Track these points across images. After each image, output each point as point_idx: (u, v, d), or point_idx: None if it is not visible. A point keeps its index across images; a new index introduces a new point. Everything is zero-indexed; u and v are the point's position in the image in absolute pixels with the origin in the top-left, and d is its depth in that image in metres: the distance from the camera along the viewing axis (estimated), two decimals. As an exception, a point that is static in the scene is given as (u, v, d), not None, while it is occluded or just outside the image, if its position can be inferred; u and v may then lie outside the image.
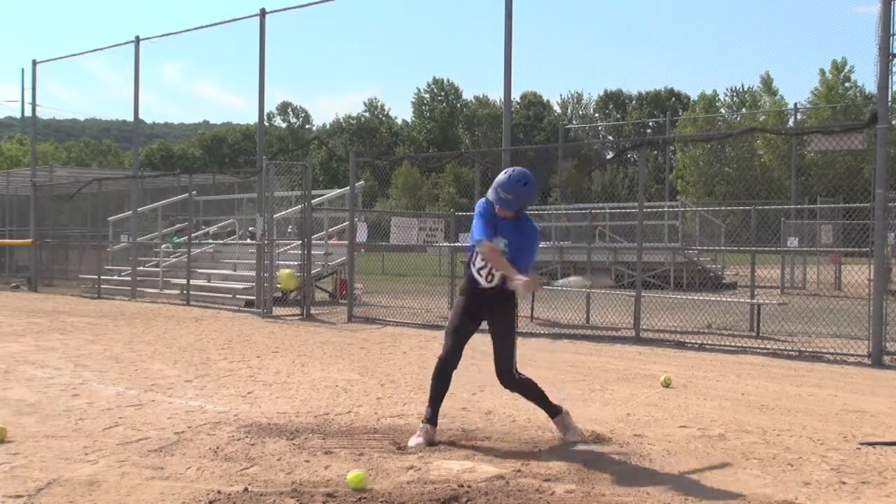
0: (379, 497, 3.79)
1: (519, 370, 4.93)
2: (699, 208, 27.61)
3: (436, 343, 9.81)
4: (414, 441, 4.76)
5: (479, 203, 4.87)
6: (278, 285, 12.83)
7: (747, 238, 15.04)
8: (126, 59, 17.27)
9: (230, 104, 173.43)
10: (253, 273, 14.67)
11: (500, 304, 4.87)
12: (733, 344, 9.66)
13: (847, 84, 46.08)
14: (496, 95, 75.67)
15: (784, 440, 5.00)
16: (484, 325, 4.96)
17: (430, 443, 4.75)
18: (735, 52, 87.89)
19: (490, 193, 4.78)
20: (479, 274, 4.85)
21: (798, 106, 30.62)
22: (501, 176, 4.76)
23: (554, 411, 4.97)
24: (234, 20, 15.14)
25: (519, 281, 4.57)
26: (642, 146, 11.68)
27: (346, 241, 16.12)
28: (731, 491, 3.94)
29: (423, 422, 4.89)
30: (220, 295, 15.39)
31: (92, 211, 19.59)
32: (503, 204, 4.72)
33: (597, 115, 76.90)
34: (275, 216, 13.66)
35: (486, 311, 4.91)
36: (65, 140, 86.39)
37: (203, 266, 17.21)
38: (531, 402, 5.01)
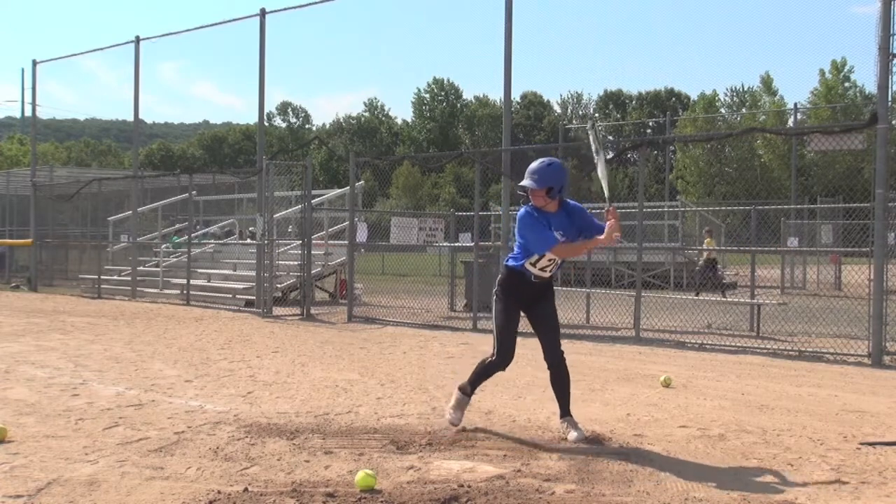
0: (379, 497, 3.79)
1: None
2: (699, 208, 27.61)
3: (436, 343, 9.82)
4: (450, 416, 5.14)
5: (521, 215, 4.88)
6: None
7: (747, 238, 15.04)
8: (126, 59, 17.29)
9: (230, 104, 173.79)
10: (253, 273, 14.67)
11: (548, 292, 5.10)
12: (733, 344, 9.65)
13: (847, 84, 46.09)
14: (496, 95, 75.82)
15: (784, 440, 5.00)
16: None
17: (463, 413, 5.15)
18: (735, 52, 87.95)
19: (524, 181, 4.85)
20: (544, 270, 4.96)
21: (798, 106, 30.62)
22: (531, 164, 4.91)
23: (566, 411, 5.01)
24: (233, 20, 15.16)
25: (609, 237, 4.79)
26: (642, 146, 11.68)
27: (333, 242, 16.17)
28: (731, 491, 3.94)
29: (458, 389, 5.18)
30: (220, 295, 15.39)
31: (92, 211, 19.60)
32: (533, 183, 4.77)
33: (597, 115, 76.90)
34: (275, 216, 13.67)
35: (534, 302, 5.06)
36: (65, 140, 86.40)
37: (203, 266, 17.21)
38: (554, 390, 5.04)
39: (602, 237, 4.81)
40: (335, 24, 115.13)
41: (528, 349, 8.48)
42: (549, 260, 4.92)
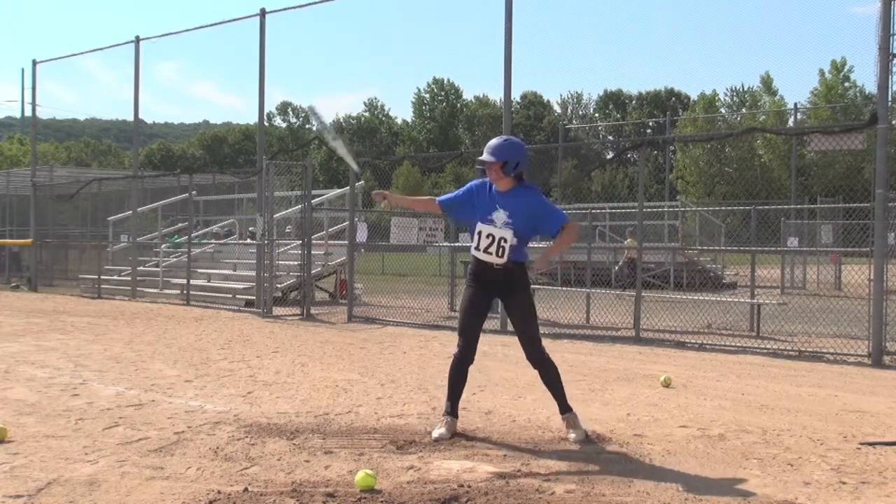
0: (379, 497, 3.79)
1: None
2: (699, 208, 27.60)
3: (436, 343, 9.83)
4: (437, 432, 4.88)
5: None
6: None
7: (747, 238, 15.05)
8: (126, 59, 17.29)
9: (230, 104, 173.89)
10: (253, 273, 14.67)
11: (514, 284, 4.88)
12: (733, 344, 9.65)
13: (847, 84, 46.12)
14: (496, 95, 75.79)
15: (784, 440, 5.00)
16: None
17: (453, 433, 4.89)
18: (735, 52, 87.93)
19: (482, 156, 4.86)
20: (488, 252, 4.84)
21: (798, 106, 30.61)
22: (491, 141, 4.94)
23: (565, 408, 4.96)
24: (233, 20, 15.15)
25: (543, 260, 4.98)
26: (642, 146, 11.68)
27: (333, 242, 16.16)
28: (731, 491, 3.94)
29: (444, 414, 5.00)
30: (220, 295, 15.39)
31: (92, 211, 19.60)
32: (490, 157, 4.78)
33: (597, 115, 76.91)
34: (275, 216, 13.66)
35: (504, 295, 4.93)
36: (65, 140, 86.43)
37: (203, 266, 17.21)
38: (547, 388, 4.99)
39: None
40: (335, 24, 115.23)
41: (528, 349, 8.50)
42: (488, 237, 4.82)
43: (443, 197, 5.20)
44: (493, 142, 4.89)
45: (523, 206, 4.83)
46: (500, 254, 4.81)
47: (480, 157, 4.87)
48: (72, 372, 7.38)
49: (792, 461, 4.50)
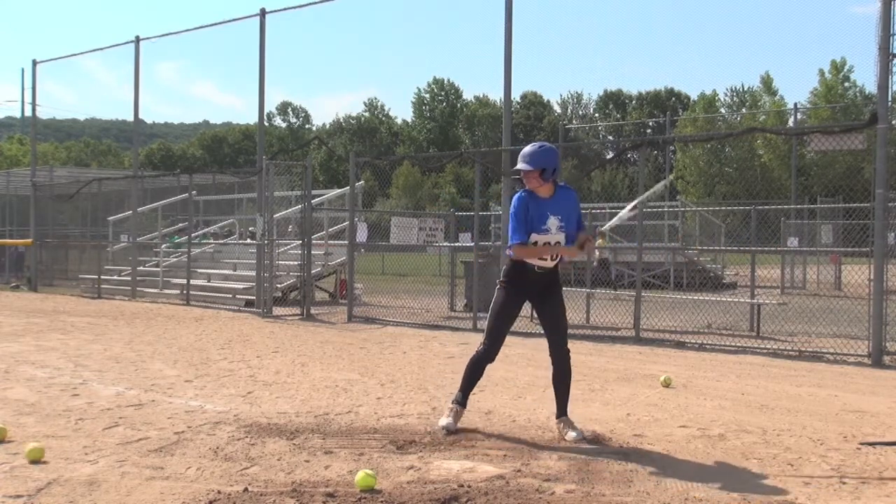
0: (379, 497, 3.79)
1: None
2: (699, 208, 27.60)
3: (436, 343, 9.83)
4: (445, 420, 5.01)
5: (514, 200, 4.96)
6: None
7: (747, 238, 15.05)
8: (126, 59, 17.31)
9: (230, 104, 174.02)
10: (253, 273, 14.67)
11: (551, 284, 5.01)
12: (733, 344, 9.65)
13: (847, 84, 46.13)
14: (496, 95, 75.82)
15: (784, 440, 5.00)
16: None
17: (458, 424, 5.02)
18: (735, 52, 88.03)
19: (518, 165, 4.89)
20: (543, 259, 4.92)
21: (798, 106, 30.59)
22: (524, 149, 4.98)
23: (563, 411, 5.03)
24: (233, 20, 15.16)
25: (574, 252, 4.91)
26: (642, 146, 11.68)
27: (333, 242, 16.16)
28: (731, 491, 3.94)
29: (452, 402, 5.09)
30: (220, 295, 15.39)
31: (92, 211, 19.60)
32: (526, 165, 4.81)
33: (597, 115, 76.89)
34: (275, 216, 13.66)
35: (540, 296, 5.02)
36: (65, 140, 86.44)
37: (203, 266, 17.21)
38: (555, 388, 5.03)
39: (567, 248, 4.91)
40: (335, 24, 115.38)
41: (528, 349, 8.51)
42: (544, 246, 4.88)
43: (523, 238, 4.86)
44: (528, 149, 4.89)
45: (571, 208, 4.95)
46: (554, 257, 4.96)
47: (517, 167, 4.88)
48: (72, 372, 7.38)
49: (792, 461, 4.50)
